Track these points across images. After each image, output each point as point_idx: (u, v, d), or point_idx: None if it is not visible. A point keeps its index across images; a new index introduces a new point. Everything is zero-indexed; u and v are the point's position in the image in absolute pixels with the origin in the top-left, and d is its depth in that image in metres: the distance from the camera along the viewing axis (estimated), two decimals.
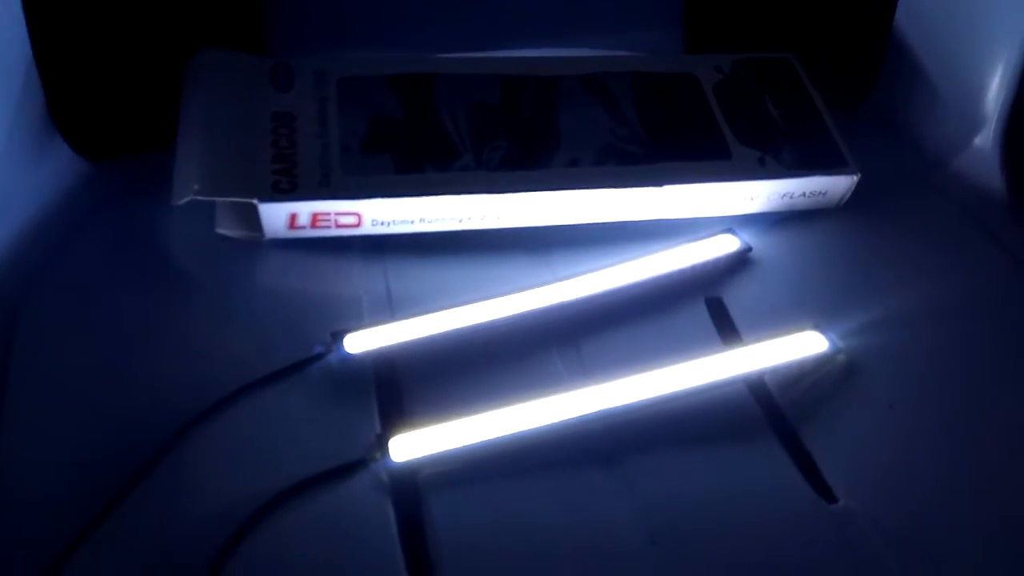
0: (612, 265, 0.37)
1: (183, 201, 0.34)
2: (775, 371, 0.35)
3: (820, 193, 0.40)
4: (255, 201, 0.35)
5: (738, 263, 0.39)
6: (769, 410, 0.34)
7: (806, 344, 0.35)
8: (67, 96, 0.38)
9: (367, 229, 0.37)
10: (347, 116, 0.38)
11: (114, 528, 0.28)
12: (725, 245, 0.39)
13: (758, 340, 0.35)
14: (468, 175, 0.37)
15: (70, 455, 0.30)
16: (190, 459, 0.30)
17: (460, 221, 0.38)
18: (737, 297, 0.38)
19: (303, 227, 0.37)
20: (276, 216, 0.36)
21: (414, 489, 0.30)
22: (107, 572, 0.28)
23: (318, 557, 0.29)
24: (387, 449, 0.31)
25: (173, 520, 0.29)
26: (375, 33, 0.46)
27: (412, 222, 0.37)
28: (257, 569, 0.28)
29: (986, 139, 0.44)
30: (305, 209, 0.36)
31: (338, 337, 0.34)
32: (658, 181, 0.38)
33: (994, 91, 0.43)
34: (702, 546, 0.30)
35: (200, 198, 0.35)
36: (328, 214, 0.36)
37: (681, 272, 0.38)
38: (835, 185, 0.40)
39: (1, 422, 0.31)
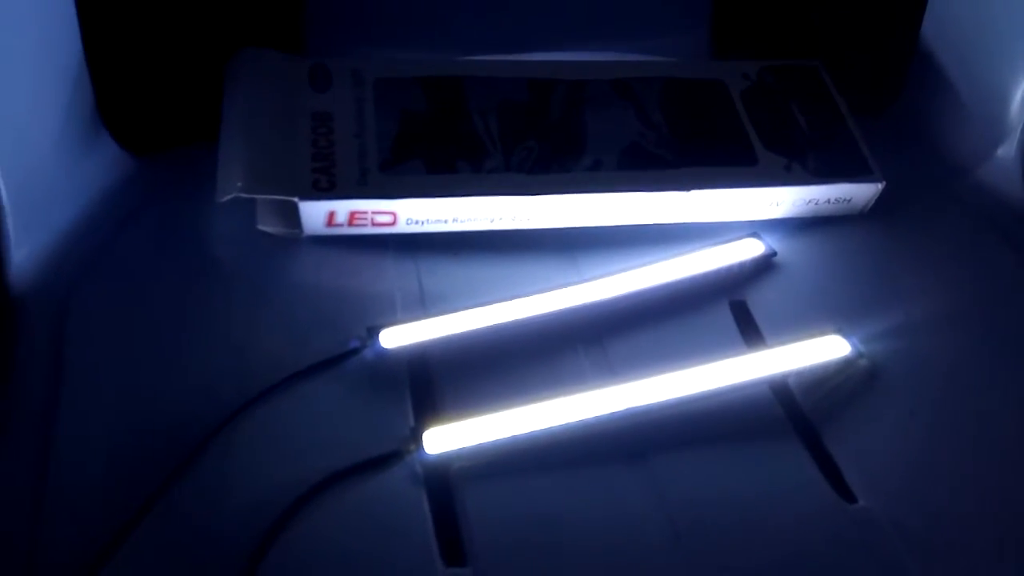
0: (638, 267, 0.38)
1: (227, 198, 0.36)
2: (798, 374, 0.36)
3: (845, 200, 0.41)
4: (296, 199, 0.37)
5: (763, 267, 0.40)
6: (792, 412, 0.35)
7: (829, 348, 0.36)
8: (114, 93, 0.39)
9: (401, 228, 0.38)
10: (383, 117, 0.39)
11: (163, 511, 0.29)
12: (750, 249, 0.40)
13: (781, 343, 0.36)
14: (499, 177, 0.38)
15: (120, 437, 0.32)
16: (234, 447, 0.32)
17: (491, 221, 0.39)
18: (761, 300, 0.39)
19: (340, 224, 0.38)
20: (315, 214, 0.37)
21: (447, 481, 0.31)
22: (157, 553, 0.29)
23: (356, 543, 0.30)
24: (421, 442, 0.32)
25: (219, 504, 0.30)
26: (410, 34, 0.47)
27: (445, 221, 0.39)
28: (298, 553, 0.29)
29: (1009, 150, 0.44)
30: (343, 208, 0.37)
31: (373, 332, 0.35)
32: (686, 185, 0.39)
33: (1018, 103, 0.43)
34: (725, 542, 0.31)
35: (243, 196, 0.36)
36: (365, 213, 0.37)
37: (706, 275, 0.39)
38: (860, 192, 0.41)
39: (59, 406, 0.32)
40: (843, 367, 0.36)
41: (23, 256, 0.36)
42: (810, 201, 0.41)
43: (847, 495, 0.32)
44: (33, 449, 0.31)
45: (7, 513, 0.30)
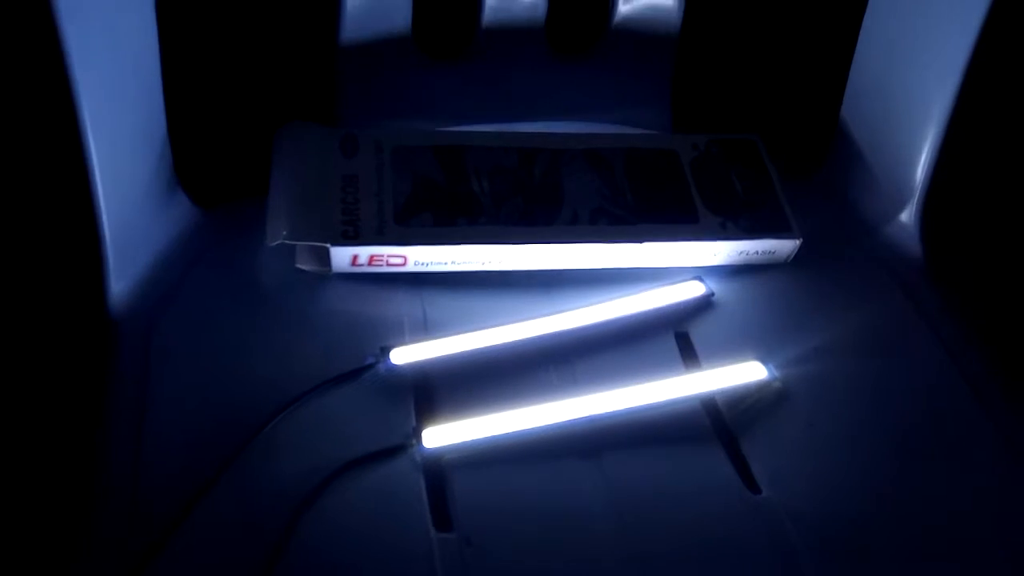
0: (600, 302, 0.43)
1: (274, 243, 0.41)
2: (724, 392, 0.40)
3: (770, 252, 0.46)
4: (328, 245, 0.41)
5: (703, 305, 0.44)
6: (716, 422, 0.40)
7: (750, 372, 0.41)
8: (187, 158, 0.44)
9: (410, 268, 0.43)
10: (398, 179, 0.44)
11: (221, 489, 0.34)
12: (693, 290, 0.45)
13: (713, 367, 0.41)
14: (490, 228, 0.43)
15: (191, 428, 0.37)
16: (276, 439, 0.36)
17: (483, 264, 0.44)
18: (700, 332, 0.43)
19: (362, 265, 0.43)
20: (342, 256, 0.42)
21: (440, 468, 0.36)
22: (211, 522, 0.33)
23: (368, 513, 0.35)
24: (421, 438, 0.36)
25: (264, 482, 0.35)
26: (422, 108, 0.51)
27: (446, 263, 0.43)
28: (323, 520, 0.34)
29: (910, 214, 0.48)
30: (365, 252, 0.42)
31: (385, 351, 0.39)
32: (641, 238, 0.44)
33: (919, 174, 0.47)
34: (657, 522, 0.36)
35: (287, 241, 0.41)
36: (382, 256, 0.42)
37: (656, 310, 0.43)
38: (782, 246, 0.46)
39: (146, 403, 0.37)
40: (760, 387, 0.41)
41: (120, 287, 0.41)
42: (742, 252, 0.45)
43: (753, 487, 0.37)
44: (127, 436, 0.36)
45: (111, 482, 0.35)
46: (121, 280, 0.41)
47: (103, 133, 0.39)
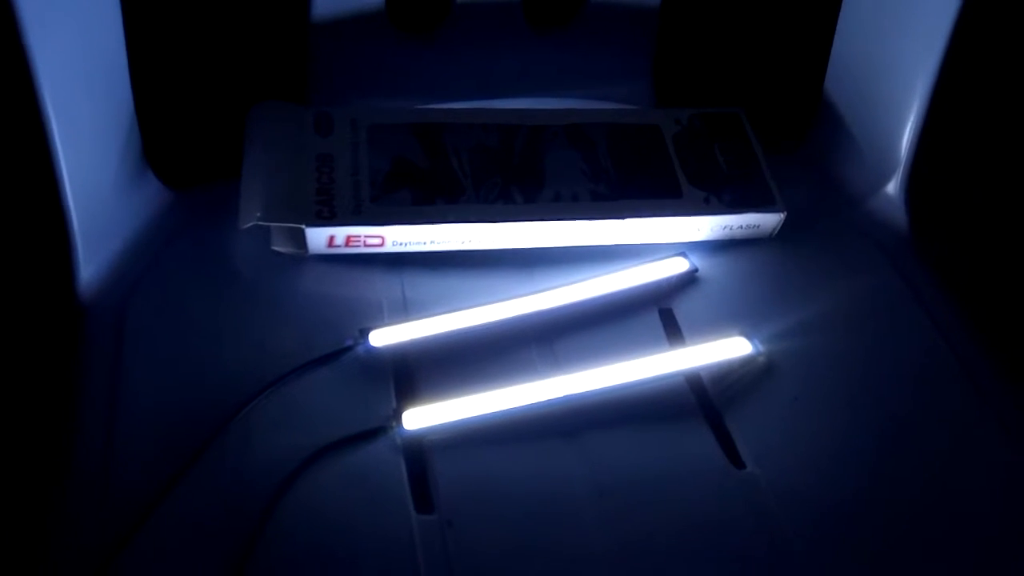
0: (583, 280, 0.43)
1: (247, 225, 0.40)
2: (709, 368, 0.40)
3: (754, 226, 0.46)
4: (303, 226, 0.41)
5: (687, 281, 0.44)
6: (701, 399, 0.40)
7: (735, 348, 0.41)
8: (156, 139, 0.44)
9: (389, 248, 0.43)
10: (375, 157, 0.44)
11: (196, 474, 0.34)
12: (676, 266, 0.45)
13: (698, 343, 0.41)
14: (470, 207, 0.43)
15: (164, 411, 0.37)
16: (253, 422, 0.36)
17: (463, 243, 0.43)
18: (684, 308, 0.43)
19: (339, 246, 0.42)
20: (318, 238, 0.42)
21: (420, 450, 0.36)
22: (187, 506, 0.33)
23: (349, 495, 0.34)
24: (401, 420, 0.36)
25: (243, 464, 0.35)
26: (398, 85, 0.51)
27: (425, 243, 0.43)
28: (304, 500, 0.34)
29: (895, 186, 0.48)
30: (341, 233, 0.42)
31: (364, 333, 0.39)
32: (623, 214, 0.44)
33: (903, 147, 0.47)
34: (640, 499, 0.36)
35: (260, 223, 0.40)
36: (359, 236, 0.42)
37: (639, 287, 0.43)
38: (766, 220, 0.46)
39: (118, 387, 0.37)
40: (745, 363, 0.41)
41: (89, 273, 0.40)
42: (726, 227, 0.45)
43: (738, 463, 0.37)
44: (100, 422, 0.36)
45: (84, 467, 0.35)
46: (90, 265, 0.41)
47: (66, 115, 0.38)
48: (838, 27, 0.49)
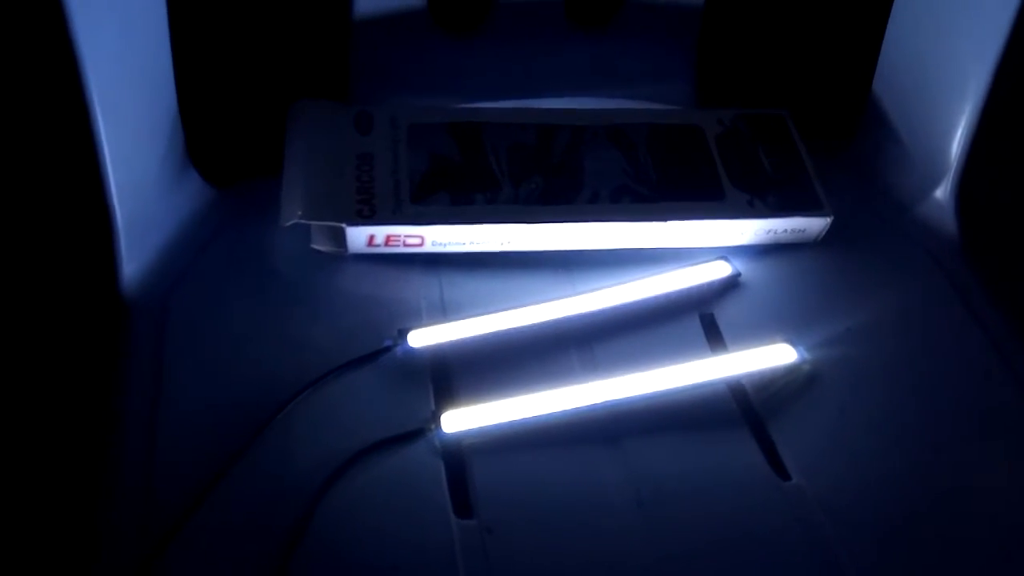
0: (623, 283, 0.42)
1: (289, 224, 0.40)
2: (752, 376, 0.40)
3: (799, 230, 0.45)
4: (343, 225, 0.41)
5: (729, 286, 0.44)
6: (744, 407, 0.39)
7: (779, 355, 0.40)
8: (199, 138, 0.44)
9: (428, 248, 0.43)
10: (414, 156, 0.44)
11: (239, 472, 0.34)
12: (719, 270, 0.44)
13: (740, 350, 0.40)
14: (509, 208, 0.43)
15: (206, 409, 0.37)
16: (293, 422, 0.36)
17: (502, 244, 0.43)
18: (726, 314, 0.42)
19: (378, 245, 0.42)
20: (358, 237, 0.42)
21: (459, 453, 0.36)
22: (228, 508, 0.33)
23: (388, 498, 0.34)
24: (440, 422, 0.36)
25: (284, 465, 0.35)
26: (437, 84, 0.51)
27: (464, 244, 0.43)
28: (343, 504, 0.34)
29: (945, 191, 0.47)
30: (381, 232, 0.42)
31: (403, 333, 0.39)
32: (663, 217, 0.43)
33: (954, 151, 0.46)
34: (680, 509, 0.35)
35: (301, 221, 0.41)
36: (398, 236, 0.42)
37: (680, 291, 0.43)
38: (812, 224, 0.45)
39: (161, 382, 0.37)
40: (789, 371, 0.40)
41: (132, 270, 0.41)
42: (769, 231, 0.45)
43: (783, 474, 0.37)
44: (142, 420, 0.36)
45: (127, 466, 0.35)
46: (133, 262, 0.41)
47: (113, 113, 0.38)
48: (889, 23, 0.48)
